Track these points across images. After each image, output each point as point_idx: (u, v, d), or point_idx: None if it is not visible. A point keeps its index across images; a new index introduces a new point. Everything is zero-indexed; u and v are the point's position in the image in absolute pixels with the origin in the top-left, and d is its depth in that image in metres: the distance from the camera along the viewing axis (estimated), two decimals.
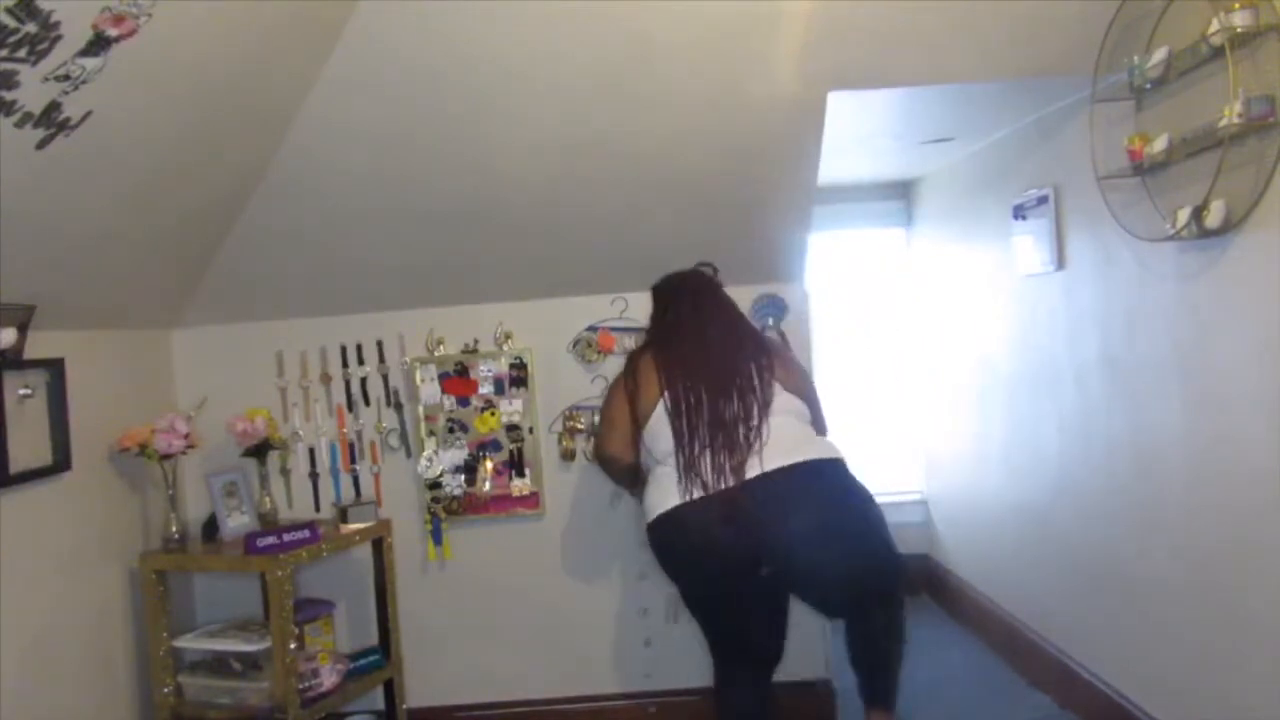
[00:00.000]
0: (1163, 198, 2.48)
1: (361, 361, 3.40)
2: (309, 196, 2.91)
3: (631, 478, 2.81)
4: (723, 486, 2.45)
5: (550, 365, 3.37)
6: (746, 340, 2.66)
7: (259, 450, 3.17)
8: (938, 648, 4.01)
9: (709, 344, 2.61)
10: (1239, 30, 2.08)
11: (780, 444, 2.48)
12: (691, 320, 2.67)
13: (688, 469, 2.49)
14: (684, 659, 3.38)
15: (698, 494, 2.47)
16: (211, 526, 3.13)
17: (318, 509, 3.39)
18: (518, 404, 3.34)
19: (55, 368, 2.65)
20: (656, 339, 2.74)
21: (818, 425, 2.71)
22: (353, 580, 3.38)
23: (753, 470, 2.46)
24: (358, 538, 3.19)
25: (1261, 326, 2.20)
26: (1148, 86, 2.45)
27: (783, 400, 2.57)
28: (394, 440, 3.40)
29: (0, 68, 1.69)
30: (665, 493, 2.53)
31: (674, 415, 2.54)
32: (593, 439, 2.92)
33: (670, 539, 2.55)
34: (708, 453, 2.48)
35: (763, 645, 2.64)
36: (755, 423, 2.50)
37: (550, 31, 2.46)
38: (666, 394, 2.57)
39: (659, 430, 2.58)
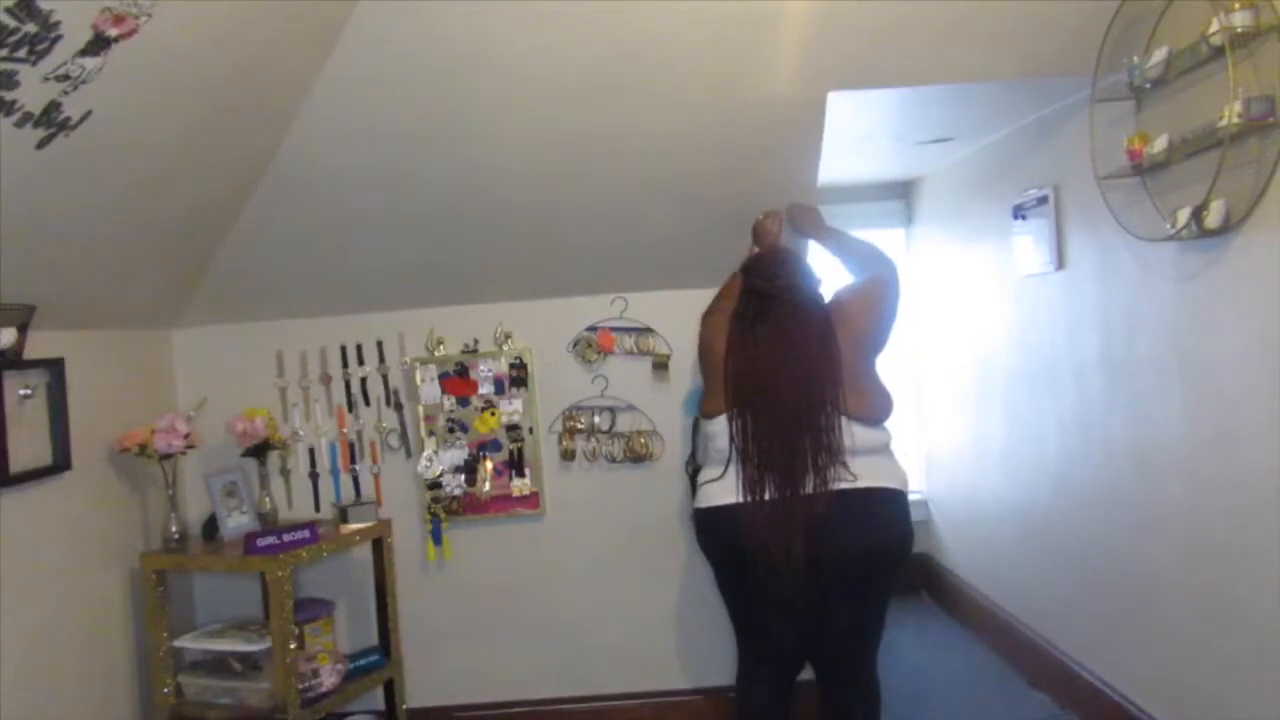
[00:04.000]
0: (1163, 198, 2.48)
1: (361, 361, 3.40)
2: (309, 196, 2.91)
3: None
4: (787, 494, 2.41)
5: (550, 365, 3.37)
6: (825, 349, 2.48)
7: (259, 450, 3.17)
8: (938, 648, 4.01)
9: (787, 352, 2.47)
10: (1239, 30, 2.08)
11: (833, 463, 2.42)
12: (770, 329, 2.49)
13: (753, 471, 2.44)
14: (684, 660, 3.38)
15: (759, 496, 2.43)
16: (211, 526, 3.13)
17: (318, 509, 3.39)
18: (518, 404, 3.34)
19: (55, 368, 2.65)
20: (732, 329, 2.55)
21: (879, 407, 2.55)
22: (353, 580, 3.38)
23: (817, 483, 2.40)
24: (358, 538, 3.19)
25: (1261, 326, 2.20)
26: (1148, 86, 2.45)
27: (858, 403, 2.47)
28: (394, 440, 3.40)
29: (0, 68, 1.69)
30: (724, 487, 2.49)
31: (741, 417, 2.47)
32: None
33: (721, 532, 2.52)
34: (774, 456, 2.43)
35: (792, 649, 2.64)
36: (820, 436, 2.42)
37: (550, 31, 2.46)
38: (735, 396, 2.48)
39: (723, 428, 2.51)
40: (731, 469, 2.50)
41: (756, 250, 2.86)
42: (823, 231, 2.94)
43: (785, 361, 2.46)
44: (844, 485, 2.41)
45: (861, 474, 2.43)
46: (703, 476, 2.63)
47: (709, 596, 3.35)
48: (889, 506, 2.49)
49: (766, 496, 2.43)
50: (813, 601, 2.44)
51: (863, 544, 2.43)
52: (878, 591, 2.56)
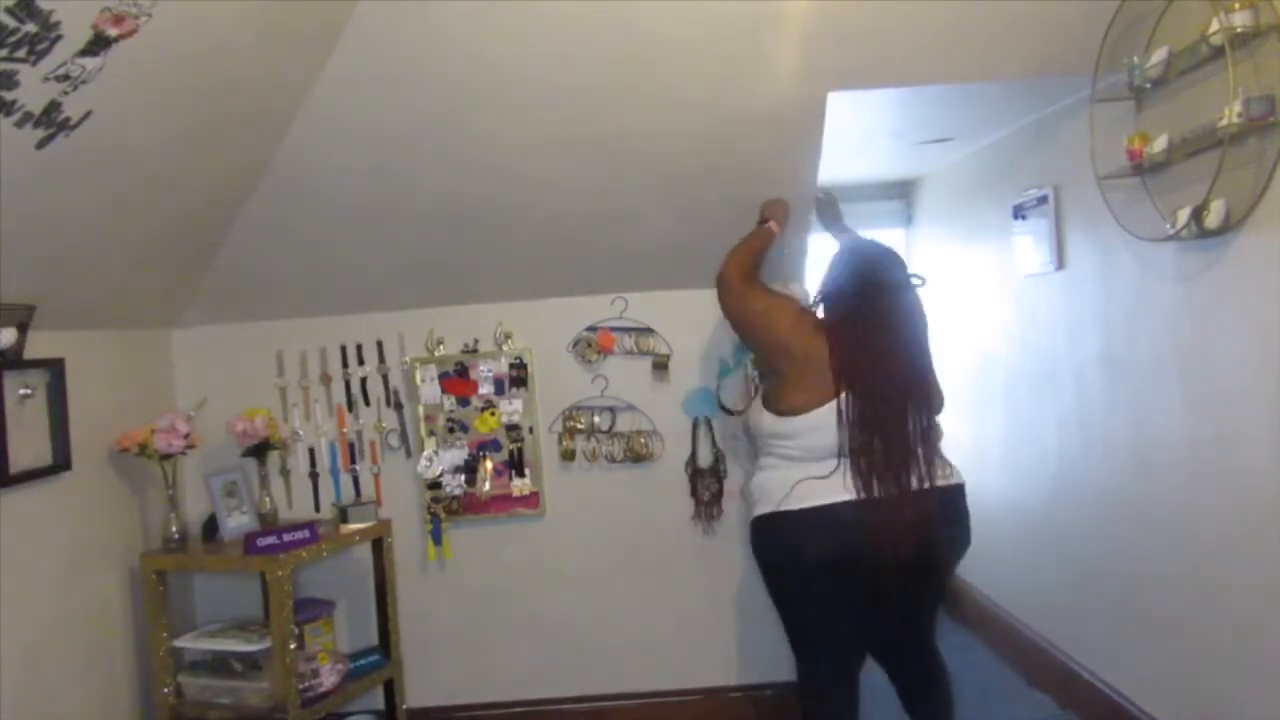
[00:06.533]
0: (1163, 198, 2.48)
1: (361, 361, 3.40)
2: (309, 196, 2.91)
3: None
4: (887, 491, 2.38)
5: (550, 365, 3.37)
6: (925, 342, 2.54)
7: (259, 450, 3.17)
8: None
9: (898, 343, 2.48)
10: (1239, 30, 2.08)
11: (934, 457, 2.44)
12: (887, 318, 2.48)
13: (866, 464, 2.38)
14: (684, 660, 3.38)
15: (864, 494, 2.38)
16: (211, 526, 3.13)
17: (318, 509, 3.39)
18: (518, 404, 3.33)
19: (55, 368, 2.65)
20: (843, 321, 2.50)
21: (942, 402, 2.63)
22: (353, 580, 3.38)
23: (924, 476, 2.40)
24: (358, 538, 3.19)
25: (1261, 326, 2.20)
26: (1148, 86, 2.45)
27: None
28: (394, 440, 3.40)
29: (0, 68, 1.69)
30: (828, 485, 2.41)
31: (860, 408, 2.40)
32: (726, 270, 2.68)
33: (819, 531, 2.42)
34: (892, 450, 2.39)
35: (861, 644, 2.64)
36: (924, 429, 2.43)
37: (550, 31, 2.46)
38: (846, 386, 2.41)
39: (814, 423, 2.44)
40: (821, 466, 2.42)
41: (769, 223, 2.84)
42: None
43: (909, 355, 2.47)
44: (943, 482, 2.44)
45: (947, 468, 2.48)
46: (780, 475, 2.49)
47: (710, 596, 3.36)
48: (965, 500, 2.54)
49: (877, 492, 2.38)
50: (904, 594, 2.49)
51: (956, 536, 2.49)
52: (948, 580, 2.67)
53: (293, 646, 2.82)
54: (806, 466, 2.45)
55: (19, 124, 1.85)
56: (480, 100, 2.65)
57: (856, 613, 2.53)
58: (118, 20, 1.79)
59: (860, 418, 2.40)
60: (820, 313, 2.60)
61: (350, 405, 3.41)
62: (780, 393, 2.53)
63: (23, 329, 2.48)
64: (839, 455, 2.42)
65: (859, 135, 3.49)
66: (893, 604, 2.53)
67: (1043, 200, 3.27)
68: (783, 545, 2.52)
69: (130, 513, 3.04)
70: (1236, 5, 2.09)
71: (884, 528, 2.35)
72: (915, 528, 2.35)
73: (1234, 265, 2.29)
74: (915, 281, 2.55)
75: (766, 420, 2.55)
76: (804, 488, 2.44)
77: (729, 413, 3.34)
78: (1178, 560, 2.64)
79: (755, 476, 2.62)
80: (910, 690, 2.69)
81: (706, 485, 3.33)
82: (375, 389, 3.40)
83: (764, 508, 2.53)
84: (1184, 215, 2.30)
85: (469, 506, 3.36)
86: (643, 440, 3.35)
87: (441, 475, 3.32)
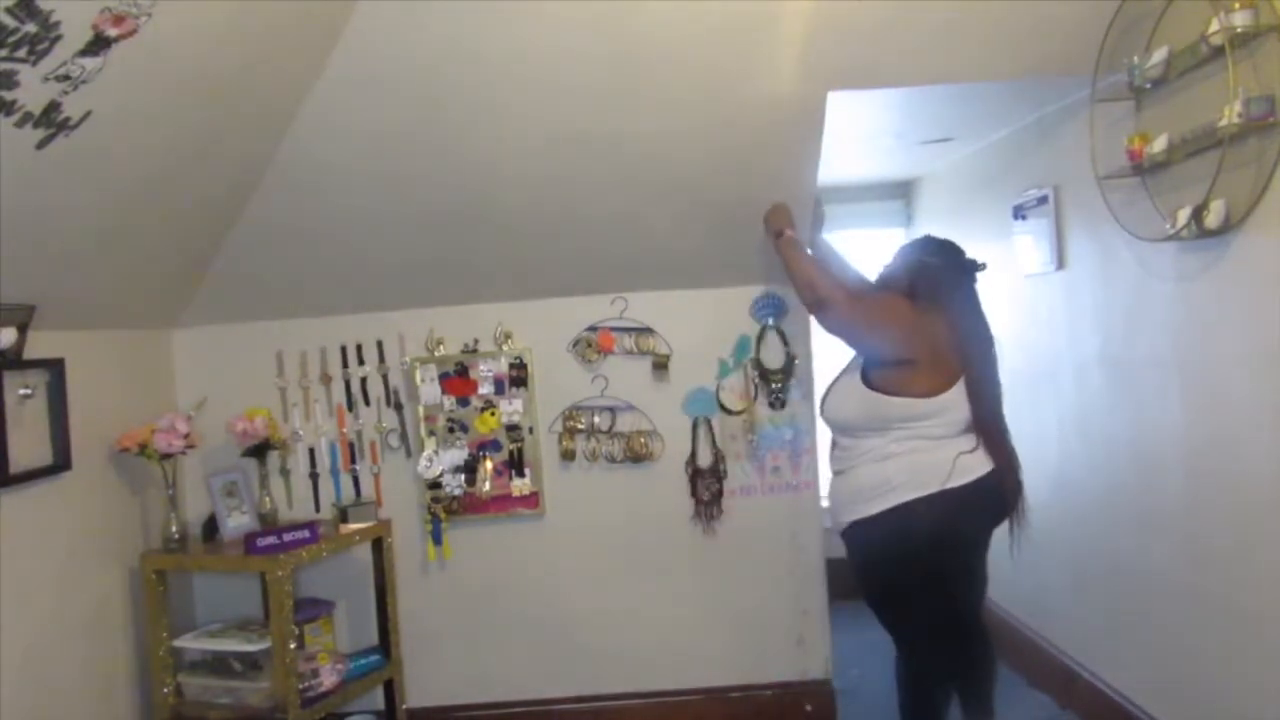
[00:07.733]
0: (1163, 198, 2.48)
1: (361, 361, 3.40)
2: (309, 196, 2.91)
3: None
4: (1008, 457, 2.56)
5: (550, 365, 3.36)
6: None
7: (259, 450, 3.17)
8: None
9: (986, 320, 2.71)
10: (1239, 30, 2.08)
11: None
12: (978, 298, 2.71)
13: (989, 436, 2.52)
14: (684, 660, 3.38)
15: (999, 461, 2.52)
16: (211, 526, 3.13)
17: (318, 509, 3.39)
18: (518, 404, 3.33)
19: (55, 368, 2.65)
20: (954, 303, 2.64)
21: None
22: (353, 580, 3.38)
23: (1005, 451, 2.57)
24: (358, 538, 3.19)
25: (1261, 326, 2.20)
26: (1148, 86, 2.45)
27: None
28: (394, 440, 3.40)
29: (0, 68, 1.69)
30: (980, 458, 2.50)
31: (975, 385, 2.54)
32: (819, 297, 2.68)
33: (985, 502, 2.52)
34: (1000, 423, 2.57)
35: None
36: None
37: (550, 31, 2.46)
38: (971, 363, 2.56)
39: (957, 398, 2.51)
40: (966, 439, 2.51)
41: (786, 232, 2.87)
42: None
43: (991, 330, 2.69)
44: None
45: None
46: (932, 456, 2.50)
47: (709, 596, 3.36)
48: None
49: (1002, 458, 2.54)
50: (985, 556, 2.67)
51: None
52: None
53: (293, 646, 2.82)
54: (953, 442, 2.51)
55: (19, 124, 1.85)
56: (480, 99, 2.65)
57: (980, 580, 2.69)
58: (118, 20, 1.79)
59: (982, 391, 2.54)
60: (893, 295, 2.67)
61: (350, 405, 3.41)
62: (913, 377, 2.53)
63: (23, 329, 2.48)
64: (974, 429, 2.53)
65: (859, 135, 3.49)
66: (984, 566, 2.67)
67: (1043, 200, 3.27)
68: (957, 520, 2.50)
69: (130, 513, 3.04)
70: (1236, 5, 2.09)
71: (1012, 491, 2.55)
72: (1020, 485, 2.58)
73: (1234, 265, 2.29)
74: (979, 268, 2.72)
75: (903, 405, 2.52)
76: (964, 462, 2.49)
77: (729, 413, 3.34)
78: (1178, 560, 2.64)
79: (885, 464, 2.54)
80: (974, 671, 2.74)
81: (706, 485, 3.34)
82: (375, 389, 3.40)
83: (921, 489, 2.49)
84: (1184, 215, 2.30)
85: (469, 506, 3.36)
86: (643, 440, 3.35)
87: (441, 475, 3.32)
